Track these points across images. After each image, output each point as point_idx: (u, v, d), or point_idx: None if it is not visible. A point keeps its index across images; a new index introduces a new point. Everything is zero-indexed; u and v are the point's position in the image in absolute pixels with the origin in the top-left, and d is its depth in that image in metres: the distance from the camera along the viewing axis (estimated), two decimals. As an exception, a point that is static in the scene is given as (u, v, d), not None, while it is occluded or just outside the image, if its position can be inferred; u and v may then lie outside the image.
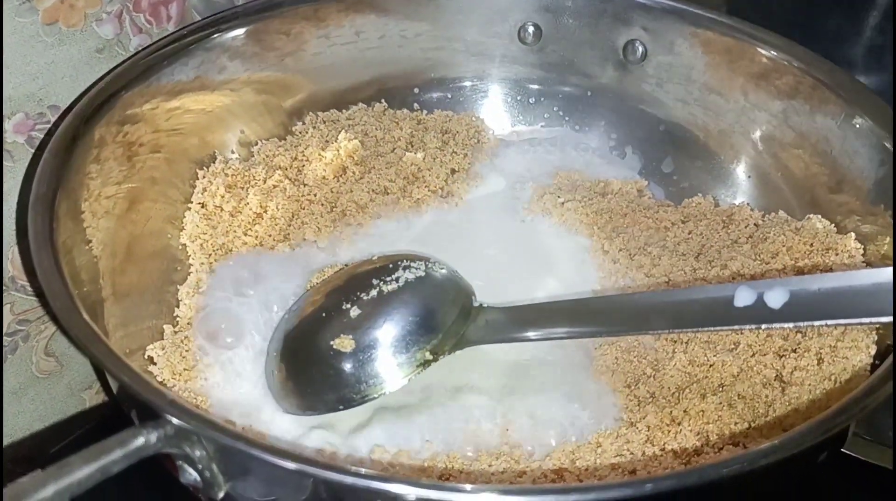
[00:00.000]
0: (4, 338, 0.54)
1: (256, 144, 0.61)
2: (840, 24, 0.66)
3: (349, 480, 0.33)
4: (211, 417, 0.37)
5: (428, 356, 0.47)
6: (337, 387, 0.46)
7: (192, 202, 0.57)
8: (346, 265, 0.55)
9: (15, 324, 0.55)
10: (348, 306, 0.48)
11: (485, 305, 0.50)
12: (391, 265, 0.49)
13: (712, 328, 0.44)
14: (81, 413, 0.61)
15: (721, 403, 0.46)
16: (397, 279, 0.48)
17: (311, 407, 0.47)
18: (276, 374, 0.49)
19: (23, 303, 0.55)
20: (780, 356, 0.48)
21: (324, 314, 0.48)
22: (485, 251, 0.58)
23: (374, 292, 0.48)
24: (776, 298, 0.40)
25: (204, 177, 0.58)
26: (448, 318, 0.48)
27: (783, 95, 0.59)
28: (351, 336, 0.46)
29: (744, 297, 0.41)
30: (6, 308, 0.54)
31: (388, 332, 0.47)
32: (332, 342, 0.46)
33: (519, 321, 0.48)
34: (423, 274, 0.49)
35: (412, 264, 0.49)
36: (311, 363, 0.47)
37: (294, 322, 0.50)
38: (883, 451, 0.52)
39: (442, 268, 0.50)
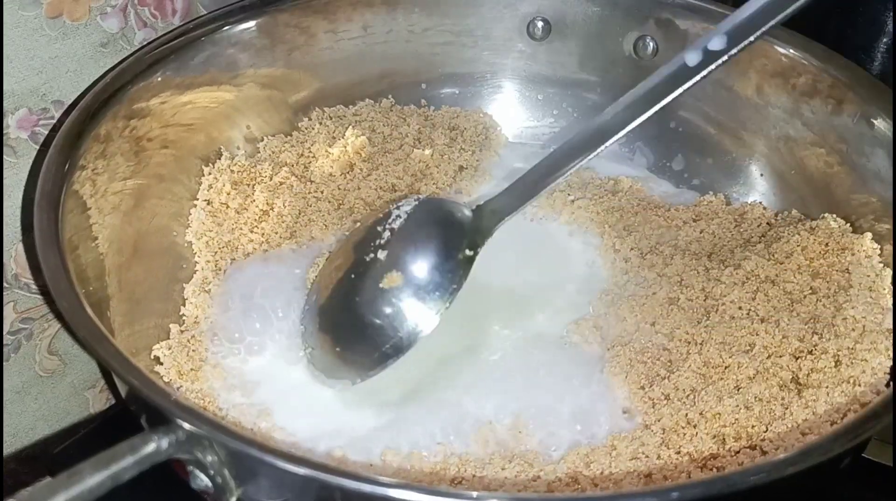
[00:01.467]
0: (7, 337, 0.54)
1: (262, 140, 0.60)
2: (857, 20, 0.65)
3: (362, 486, 0.33)
4: (223, 422, 0.37)
5: (468, 253, 0.48)
6: (398, 326, 0.47)
7: (197, 199, 0.56)
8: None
9: (18, 323, 0.54)
10: (372, 255, 0.48)
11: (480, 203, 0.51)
12: (385, 213, 0.50)
13: (678, 91, 0.46)
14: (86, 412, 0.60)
15: (737, 405, 0.45)
16: (399, 216, 0.49)
17: (371, 366, 0.47)
18: (320, 350, 0.49)
19: (26, 301, 0.54)
20: (797, 358, 0.48)
21: (352, 275, 0.49)
22: (494, 250, 0.57)
23: (387, 235, 0.49)
24: (717, 42, 0.45)
25: (210, 174, 0.57)
26: (464, 215, 0.49)
27: (798, 93, 0.58)
28: (394, 271, 0.47)
29: (692, 57, 0.46)
30: (9, 306, 0.53)
31: (426, 248, 0.48)
32: (380, 285, 0.47)
33: (517, 195, 0.50)
34: (416, 203, 0.50)
35: (402, 203, 0.50)
36: (361, 320, 0.47)
37: (325, 294, 0.50)
38: (883, 448, 0.51)
39: (427, 196, 0.52)
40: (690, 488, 0.32)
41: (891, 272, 0.51)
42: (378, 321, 0.47)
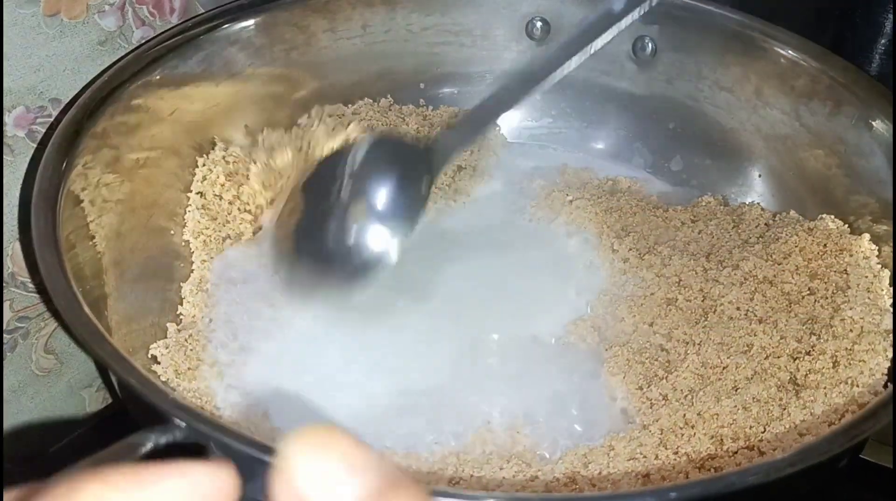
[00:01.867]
0: (4, 336, 0.53)
1: (262, 131, 0.60)
2: (856, 21, 0.65)
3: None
4: (221, 421, 0.36)
5: (426, 182, 0.46)
6: (363, 250, 0.45)
7: (191, 192, 0.56)
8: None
9: (15, 321, 0.54)
10: (339, 184, 0.46)
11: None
12: (341, 153, 0.48)
13: (608, 37, 0.47)
14: (82, 411, 0.60)
15: (735, 406, 0.45)
16: (356, 157, 0.47)
17: (341, 284, 0.46)
18: (290, 272, 0.48)
19: (22, 300, 0.54)
20: (795, 359, 0.48)
21: (320, 206, 0.47)
22: (492, 251, 0.57)
23: (348, 170, 0.47)
24: None
25: (204, 165, 0.57)
26: (419, 150, 0.47)
27: (797, 94, 0.58)
28: (361, 200, 0.45)
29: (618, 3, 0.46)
30: (5, 305, 0.53)
31: (388, 179, 0.46)
32: (346, 214, 0.45)
33: (466, 131, 0.49)
34: (371, 141, 0.48)
35: (356, 144, 0.48)
36: (331, 245, 0.45)
37: (295, 220, 0.48)
38: (884, 449, 0.51)
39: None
40: (688, 488, 0.32)
41: (888, 274, 0.51)
42: (345, 245, 0.45)
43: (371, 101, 0.64)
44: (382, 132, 0.53)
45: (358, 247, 0.45)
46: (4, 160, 0.50)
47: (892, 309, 0.49)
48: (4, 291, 0.52)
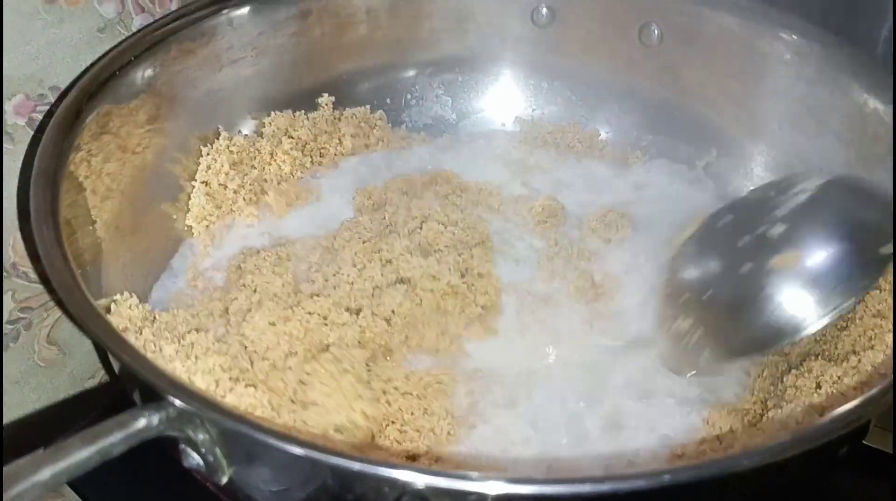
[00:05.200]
0: (6, 326, 0.53)
1: (269, 115, 0.60)
2: (861, 7, 0.64)
3: (355, 466, 0.32)
4: (214, 399, 0.36)
5: (886, 250, 0.40)
6: (776, 315, 0.40)
7: (195, 181, 0.56)
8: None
9: (17, 312, 0.54)
10: (764, 228, 0.42)
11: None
12: (782, 184, 0.44)
13: None
14: (85, 401, 0.60)
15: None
16: (803, 191, 0.42)
17: (728, 354, 0.42)
18: (677, 329, 0.45)
19: (25, 290, 0.54)
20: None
21: (729, 246, 0.43)
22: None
23: (785, 208, 0.42)
24: None
25: (208, 154, 0.56)
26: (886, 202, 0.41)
27: (803, 81, 0.57)
28: (791, 250, 0.41)
29: None
30: (7, 295, 0.53)
31: (836, 232, 0.40)
32: (768, 264, 0.41)
33: None
34: (826, 180, 0.43)
35: (803, 178, 0.44)
36: (733, 297, 0.42)
37: (690, 266, 0.45)
38: (884, 435, 0.50)
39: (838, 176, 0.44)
40: (682, 471, 0.31)
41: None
42: (755, 304, 0.40)
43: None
44: (841, 176, 0.45)
45: (768, 312, 0.40)
46: (5, 149, 0.50)
47: (893, 306, 0.47)
48: (7, 281, 0.52)
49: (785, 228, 0.41)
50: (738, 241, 0.43)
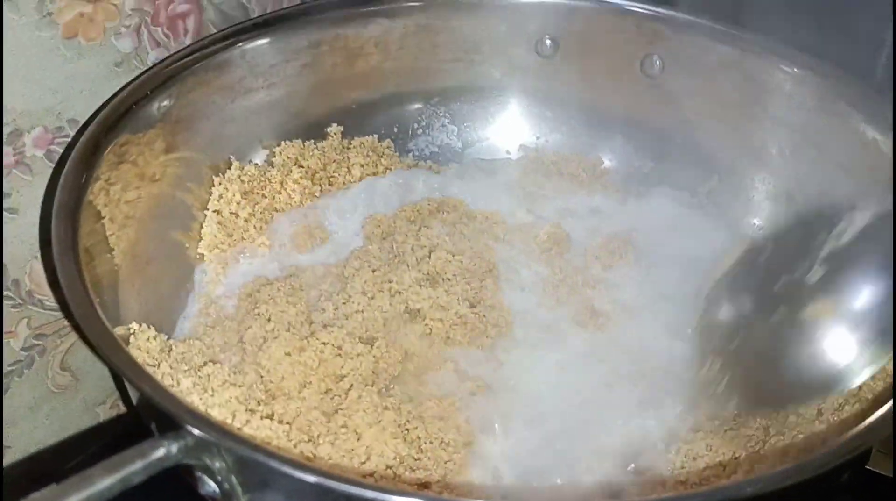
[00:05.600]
0: (21, 353, 0.54)
1: (277, 153, 0.61)
2: (858, 37, 0.65)
3: (368, 494, 0.33)
4: (230, 428, 0.37)
5: None
6: (808, 367, 0.38)
7: (207, 210, 0.57)
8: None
9: (32, 338, 0.55)
10: (798, 274, 0.40)
11: None
12: (824, 222, 0.41)
13: None
14: (97, 429, 0.61)
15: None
16: (845, 231, 0.40)
17: (761, 404, 0.40)
18: (704, 374, 0.43)
19: (40, 317, 0.55)
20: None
21: (763, 291, 0.41)
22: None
23: (825, 249, 0.40)
24: None
25: (220, 184, 0.58)
26: None
27: (803, 110, 0.58)
28: (826, 299, 0.39)
29: None
30: (23, 323, 0.54)
31: (875, 277, 0.38)
32: (801, 312, 0.39)
33: None
34: (871, 219, 0.40)
35: (847, 215, 0.41)
36: (763, 349, 0.40)
37: (724, 304, 0.43)
38: (887, 459, 0.51)
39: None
40: (687, 499, 0.32)
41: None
42: (787, 355, 0.38)
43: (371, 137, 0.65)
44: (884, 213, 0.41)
45: (800, 365, 0.38)
46: (24, 180, 0.51)
47: (893, 312, 0.48)
48: (23, 308, 0.53)
49: (824, 272, 0.39)
50: (775, 284, 0.41)
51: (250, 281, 0.55)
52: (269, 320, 0.50)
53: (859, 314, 0.38)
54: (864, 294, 0.38)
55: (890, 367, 0.45)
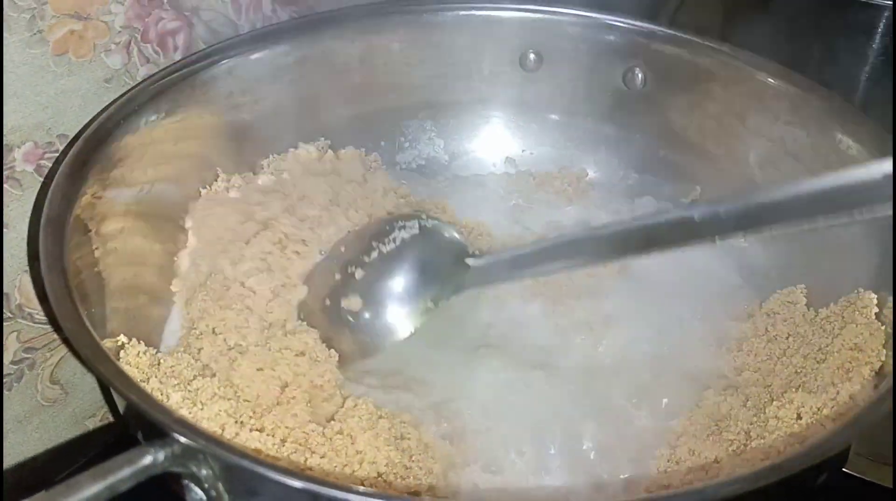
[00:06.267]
0: (10, 366, 0.55)
1: (263, 166, 0.62)
2: (839, 53, 0.67)
3: (354, 499, 0.33)
4: (216, 435, 0.37)
5: (430, 304, 0.51)
6: (356, 339, 0.51)
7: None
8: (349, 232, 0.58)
9: (21, 352, 0.55)
10: (353, 268, 0.52)
11: (475, 253, 0.55)
12: (387, 227, 0.54)
13: (681, 245, 0.43)
14: (85, 440, 0.61)
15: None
16: (394, 240, 0.53)
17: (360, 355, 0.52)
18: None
19: (29, 331, 0.55)
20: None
21: (336, 277, 0.53)
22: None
23: (374, 254, 0.52)
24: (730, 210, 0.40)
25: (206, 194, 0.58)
26: (443, 269, 0.52)
27: (781, 121, 0.59)
28: (358, 295, 0.51)
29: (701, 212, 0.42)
30: (12, 336, 0.54)
31: (390, 288, 0.52)
32: (342, 303, 0.51)
33: (508, 265, 0.52)
34: (416, 232, 0.53)
35: (406, 224, 0.54)
36: (332, 322, 0.52)
37: (311, 288, 0.53)
38: (882, 469, 0.52)
39: (433, 223, 0.55)
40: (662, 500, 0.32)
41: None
42: (336, 328, 0.51)
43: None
44: (437, 225, 0.56)
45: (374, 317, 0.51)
46: (13, 194, 0.51)
47: (893, 317, 0.49)
48: (12, 322, 0.54)
49: (363, 274, 0.52)
50: (333, 274, 0.53)
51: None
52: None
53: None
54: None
55: (868, 371, 0.46)
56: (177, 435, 0.34)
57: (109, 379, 0.37)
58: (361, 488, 0.34)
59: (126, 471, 0.32)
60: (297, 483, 0.33)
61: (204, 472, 0.35)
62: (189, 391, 0.45)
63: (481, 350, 0.54)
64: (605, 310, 0.57)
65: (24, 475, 0.58)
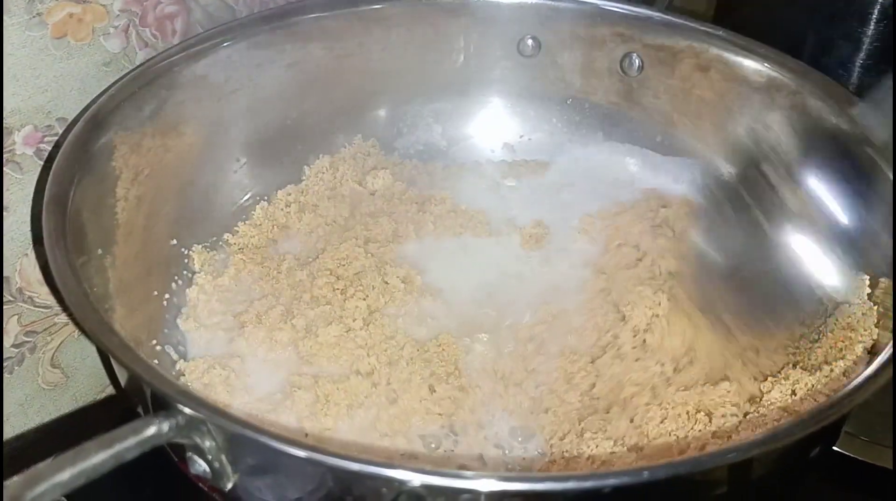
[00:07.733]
0: (11, 350, 0.55)
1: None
2: (835, 39, 0.67)
3: (354, 466, 0.33)
4: (219, 405, 0.38)
5: None
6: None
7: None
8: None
9: (22, 336, 0.55)
10: None
11: None
12: None
13: None
14: (86, 423, 0.61)
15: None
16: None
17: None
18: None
19: (30, 314, 0.55)
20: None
21: None
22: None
23: None
24: None
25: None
26: None
27: (778, 106, 0.60)
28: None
29: None
30: (13, 320, 0.54)
31: None
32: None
33: None
34: None
35: None
36: None
37: None
38: (881, 451, 0.52)
39: None
40: (658, 469, 0.33)
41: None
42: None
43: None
44: None
45: None
46: (14, 178, 0.52)
47: (893, 319, 0.49)
48: (13, 306, 0.54)
49: None
50: None
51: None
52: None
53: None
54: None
55: (861, 349, 0.47)
56: (181, 406, 0.35)
57: (115, 352, 0.37)
58: (362, 456, 0.34)
59: (132, 440, 0.33)
60: (300, 453, 0.34)
61: (207, 443, 0.35)
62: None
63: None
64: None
65: (24, 459, 0.57)
